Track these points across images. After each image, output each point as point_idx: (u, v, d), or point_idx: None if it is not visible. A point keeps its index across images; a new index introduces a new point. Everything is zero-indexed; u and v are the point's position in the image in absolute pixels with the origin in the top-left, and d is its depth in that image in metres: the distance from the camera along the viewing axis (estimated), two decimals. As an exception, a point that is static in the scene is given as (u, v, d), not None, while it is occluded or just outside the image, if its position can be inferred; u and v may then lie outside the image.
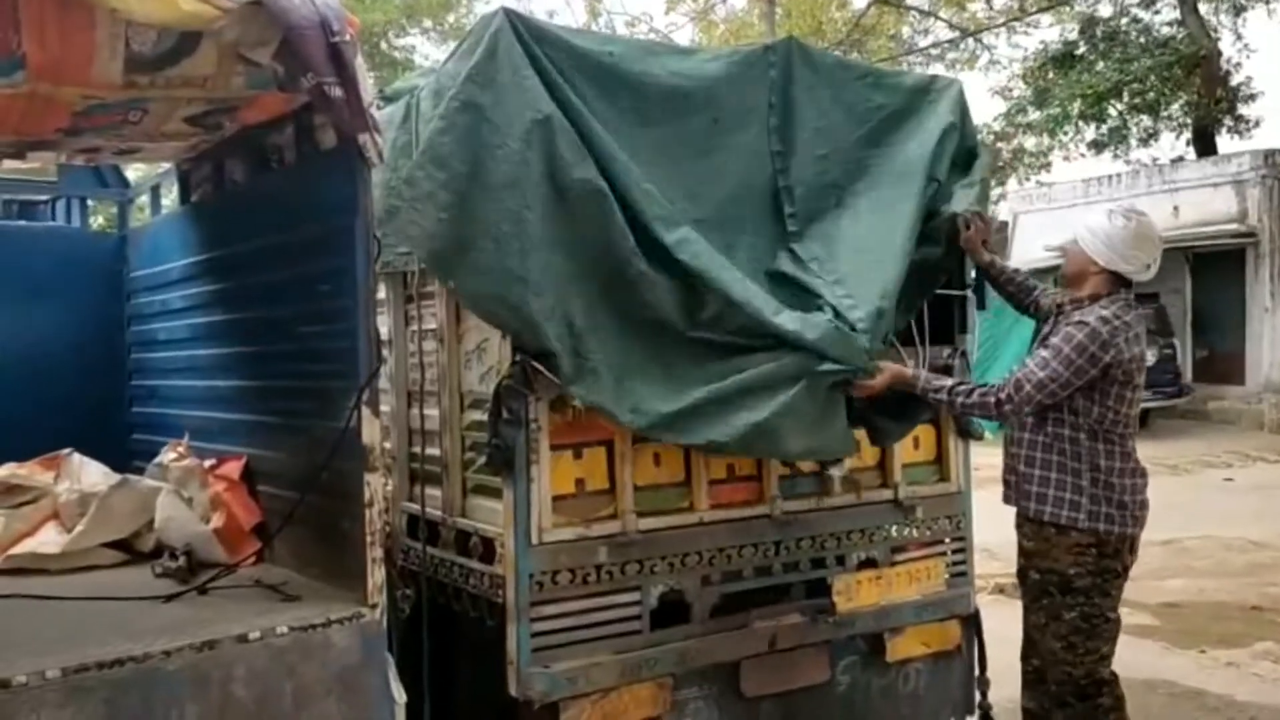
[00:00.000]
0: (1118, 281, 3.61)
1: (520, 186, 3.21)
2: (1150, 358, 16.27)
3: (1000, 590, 6.36)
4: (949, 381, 3.70)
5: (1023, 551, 3.78)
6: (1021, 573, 3.83)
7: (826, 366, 3.46)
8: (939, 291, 4.16)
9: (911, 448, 4.21)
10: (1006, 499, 3.84)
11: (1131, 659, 5.36)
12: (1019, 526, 3.80)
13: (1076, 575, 3.59)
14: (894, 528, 4.13)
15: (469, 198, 3.18)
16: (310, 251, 3.37)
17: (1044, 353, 3.54)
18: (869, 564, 4.05)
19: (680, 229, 3.42)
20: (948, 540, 4.26)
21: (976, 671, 4.28)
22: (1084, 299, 3.62)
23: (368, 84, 3.03)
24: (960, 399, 3.62)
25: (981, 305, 4.32)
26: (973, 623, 4.26)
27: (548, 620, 3.37)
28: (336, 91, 2.96)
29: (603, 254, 3.32)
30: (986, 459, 4.43)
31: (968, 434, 4.29)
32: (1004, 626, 4.39)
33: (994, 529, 4.52)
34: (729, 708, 3.71)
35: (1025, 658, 3.88)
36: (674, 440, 3.39)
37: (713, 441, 3.38)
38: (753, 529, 3.77)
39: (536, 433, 3.33)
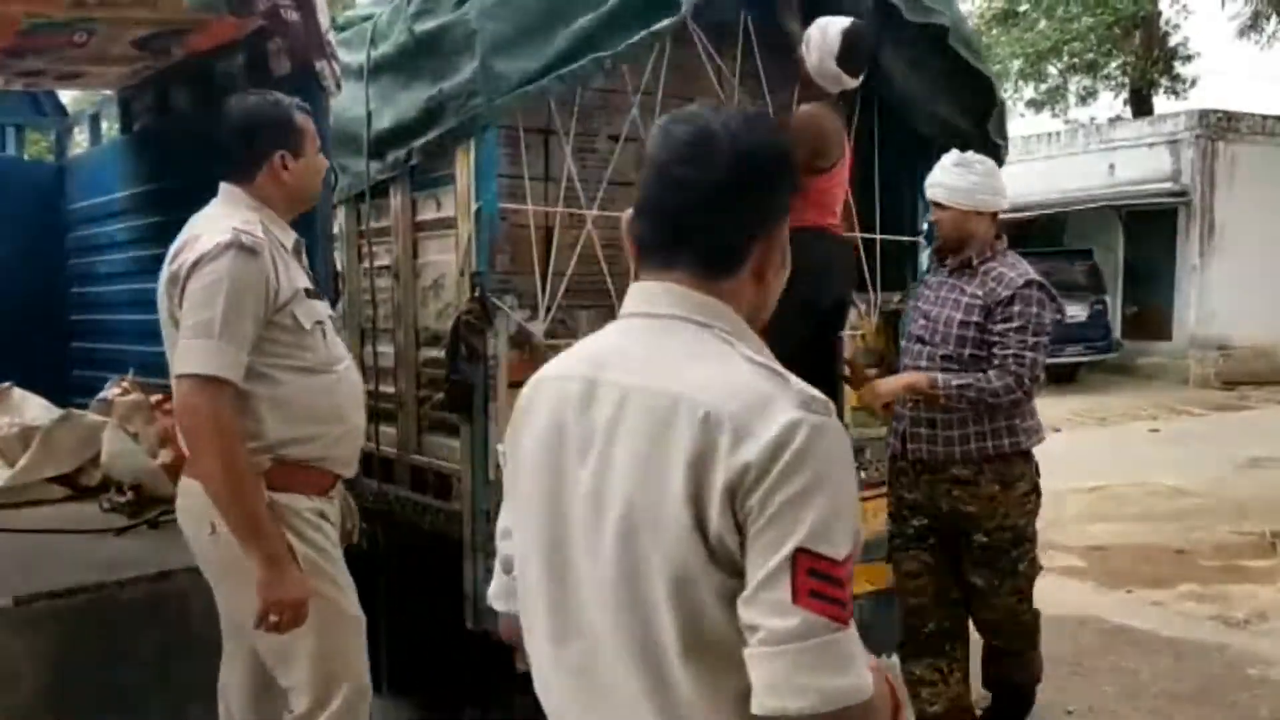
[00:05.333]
0: (995, 223, 3.48)
1: None
2: (1082, 313, 16.46)
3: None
4: (967, 380, 3.34)
5: (961, 515, 3.47)
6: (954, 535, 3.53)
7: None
8: (891, 237, 4.22)
9: (860, 391, 4.28)
10: (918, 453, 3.52)
11: (1062, 597, 5.58)
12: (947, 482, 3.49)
13: (1027, 525, 3.47)
14: (843, 469, 4.21)
15: None
16: (263, 182, 3.29)
17: (1015, 328, 3.32)
18: (817, 504, 4.12)
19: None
20: (893, 482, 4.35)
21: (918, 609, 4.38)
22: (987, 251, 3.44)
23: (325, 8, 2.97)
24: (988, 398, 3.32)
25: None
26: (915, 562, 4.35)
27: (504, 555, 3.39)
28: (293, 15, 2.90)
29: None
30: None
31: (915, 378, 4.36)
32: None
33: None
34: (680, 642, 3.78)
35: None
36: None
37: None
38: (706, 468, 3.81)
39: (495, 369, 3.33)
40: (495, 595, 1.54)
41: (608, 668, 1.20)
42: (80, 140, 5.17)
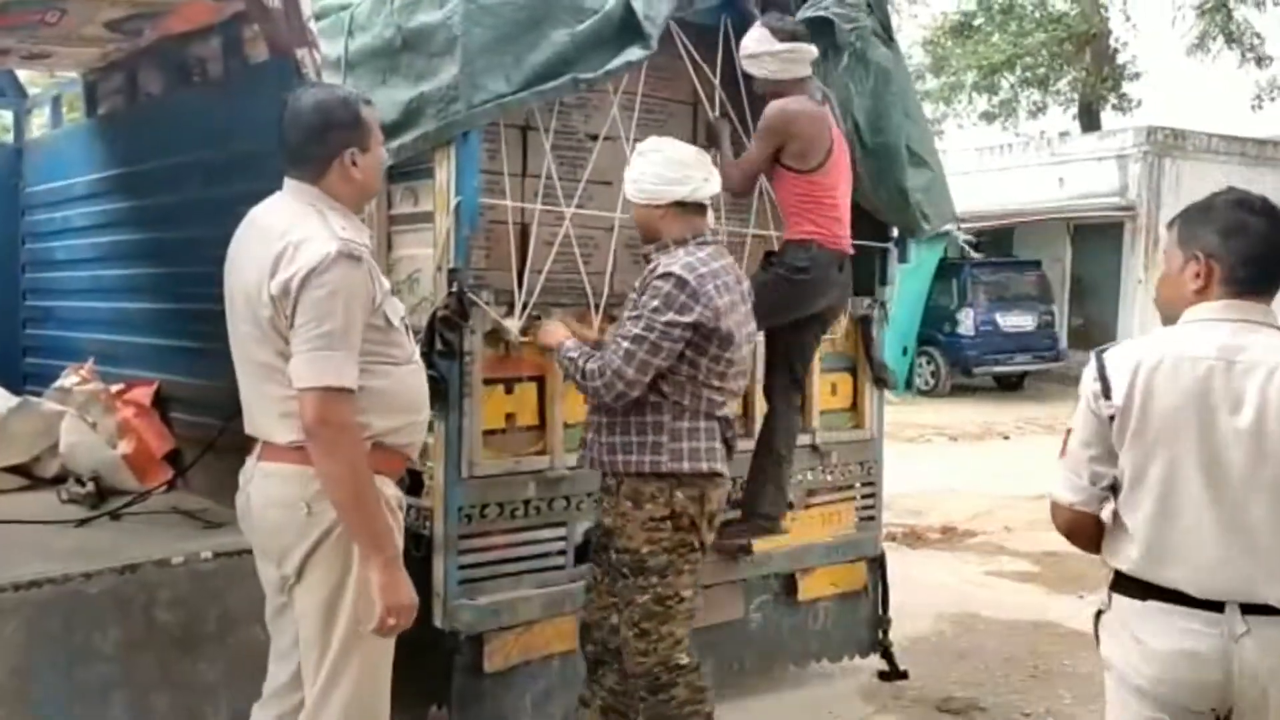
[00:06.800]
0: (691, 216, 3.03)
1: None
2: (1030, 323, 16.60)
3: (892, 538, 6.60)
4: (576, 355, 3.02)
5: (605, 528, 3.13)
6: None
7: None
8: (863, 243, 4.25)
9: (829, 394, 4.31)
10: (584, 459, 3.18)
11: (1018, 600, 5.68)
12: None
13: (651, 554, 2.99)
14: (809, 472, 4.23)
15: None
16: (233, 171, 3.24)
17: (631, 317, 2.96)
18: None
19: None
20: (858, 485, 4.40)
21: (879, 611, 4.44)
22: (668, 244, 3.02)
23: (308, -4, 2.93)
24: (578, 378, 3.02)
25: (903, 258, 4.42)
26: (878, 565, 4.41)
27: (475, 554, 3.37)
28: (274, 1, 2.86)
29: None
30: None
31: (882, 382, 4.42)
32: (899, 571, 4.58)
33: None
34: (647, 642, 3.77)
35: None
36: None
37: None
38: (676, 469, 3.81)
39: (470, 365, 3.31)
40: (1080, 502, 2.21)
41: (1266, 539, 1.97)
42: (40, 122, 5.04)
